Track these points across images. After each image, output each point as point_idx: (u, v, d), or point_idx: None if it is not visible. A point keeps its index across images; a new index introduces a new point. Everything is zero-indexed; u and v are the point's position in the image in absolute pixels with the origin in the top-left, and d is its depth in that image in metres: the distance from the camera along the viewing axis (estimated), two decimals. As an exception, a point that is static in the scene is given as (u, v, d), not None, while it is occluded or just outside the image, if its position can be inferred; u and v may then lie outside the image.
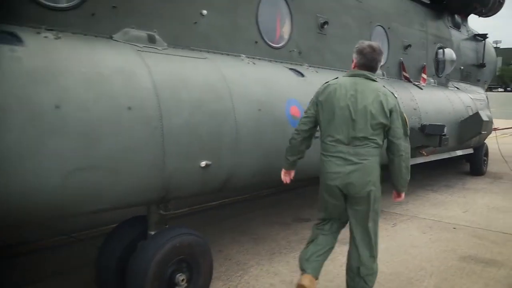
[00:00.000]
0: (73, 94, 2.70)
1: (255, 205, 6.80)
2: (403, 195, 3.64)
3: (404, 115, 3.47)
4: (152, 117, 3.09)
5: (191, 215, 6.17)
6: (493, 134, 9.74)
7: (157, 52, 3.46)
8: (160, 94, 3.18)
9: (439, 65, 8.40)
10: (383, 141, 3.43)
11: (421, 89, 7.36)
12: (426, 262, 4.63)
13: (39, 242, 4.89)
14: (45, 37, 2.80)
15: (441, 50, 8.35)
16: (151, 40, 3.51)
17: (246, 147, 3.79)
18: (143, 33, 3.47)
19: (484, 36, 10.31)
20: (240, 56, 4.33)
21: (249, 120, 3.83)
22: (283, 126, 4.18)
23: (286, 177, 3.78)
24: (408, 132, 3.47)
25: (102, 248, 3.58)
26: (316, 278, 3.53)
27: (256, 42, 4.53)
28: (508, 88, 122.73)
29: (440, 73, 8.45)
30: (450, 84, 8.88)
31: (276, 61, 4.76)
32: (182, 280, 3.39)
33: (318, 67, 5.33)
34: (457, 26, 9.27)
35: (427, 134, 6.26)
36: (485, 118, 8.05)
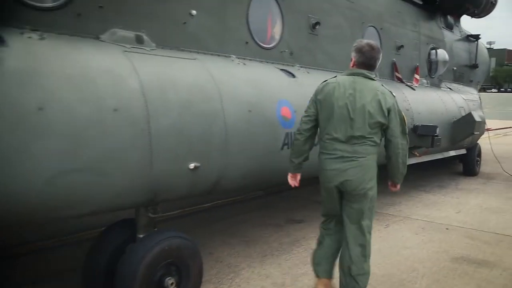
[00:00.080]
0: (57, 95, 2.65)
1: (247, 207, 6.76)
2: (398, 186, 3.71)
3: (402, 113, 3.51)
4: (139, 119, 3.05)
5: (182, 217, 6.11)
6: (486, 134, 9.77)
7: (145, 52, 3.41)
8: (148, 95, 3.14)
9: (431, 65, 8.40)
10: (380, 140, 3.47)
11: (414, 89, 7.36)
12: (418, 263, 4.61)
13: (28, 244, 4.84)
14: (29, 37, 2.75)
15: (433, 51, 8.35)
16: (139, 40, 3.47)
17: (236, 148, 3.75)
18: (130, 34, 3.43)
19: (476, 37, 10.34)
20: (230, 56, 4.29)
21: (239, 121, 3.79)
22: (273, 127, 4.15)
23: (292, 180, 3.71)
24: (406, 130, 3.53)
25: (90, 251, 3.53)
26: (331, 278, 3.66)
27: (247, 42, 4.50)
28: (501, 89, 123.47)
29: (433, 74, 8.45)
30: (442, 84, 8.89)
31: (267, 62, 4.73)
32: (171, 283, 3.33)
33: (310, 68, 5.30)
34: (449, 27, 9.29)
35: (420, 135, 6.27)
36: (477, 118, 8.07)
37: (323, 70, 5.51)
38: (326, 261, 3.67)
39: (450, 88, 9.06)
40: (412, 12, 7.79)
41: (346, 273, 3.47)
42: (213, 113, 3.59)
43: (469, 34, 10.26)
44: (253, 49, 4.57)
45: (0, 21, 2.72)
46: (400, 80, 7.21)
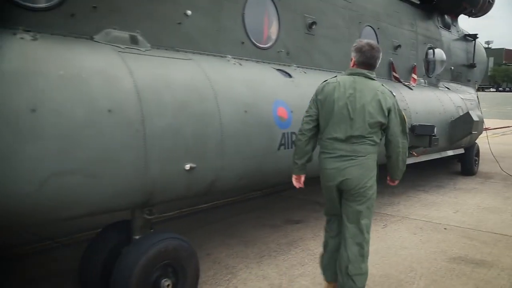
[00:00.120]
0: (49, 97, 2.63)
1: (245, 208, 6.74)
2: (397, 181, 3.76)
3: (403, 113, 3.52)
4: (133, 120, 3.02)
5: (180, 218, 6.10)
6: (484, 133, 9.76)
7: (139, 53, 3.39)
8: (142, 96, 3.11)
9: (429, 65, 8.40)
10: (380, 139, 3.48)
11: (411, 89, 7.35)
12: (416, 263, 4.59)
13: (25, 246, 4.82)
14: (22, 38, 2.73)
15: (431, 50, 8.35)
16: (134, 41, 3.45)
17: (232, 149, 3.73)
18: (125, 34, 3.41)
19: (474, 36, 10.33)
20: (226, 57, 4.28)
21: (235, 122, 3.77)
22: (270, 127, 4.13)
23: (297, 182, 3.70)
24: (407, 129, 3.54)
25: (85, 253, 3.51)
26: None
27: (243, 42, 4.48)
28: (500, 88, 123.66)
29: (430, 73, 8.44)
30: (440, 84, 8.89)
31: (263, 62, 4.71)
32: (168, 285, 3.31)
33: (307, 68, 5.29)
34: (447, 27, 9.28)
35: (417, 135, 6.26)
36: (475, 118, 8.06)
37: (320, 70, 5.50)
38: (333, 265, 3.66)
39: (447, 88, 9.06)
40: (409, 11, 7.78)
41: (344, 273, 3.45)
42: (208, 114, 3.57)
43: (467, 33, 10.25)
44: (249, 49, 4.55)
45: (-8, 22, 2.70)
46: (397, 80, 7.20)
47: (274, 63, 4.83)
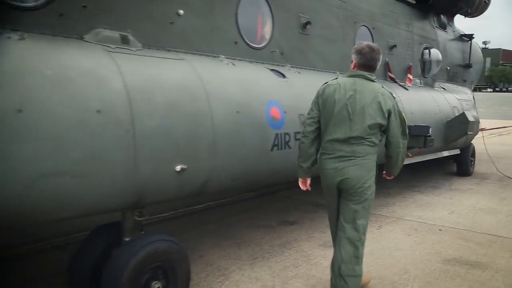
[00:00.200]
0: (36, 97, 2.59)
1: (239, 208, 6.70)
2: (393, 176, 3.87)
3: (403, 114, 3.56)
4: (123, 120, 2.98)
5: (174, 219, 6.07)
6: (480, 134, 9.75)
7: (130, 53, 3.35)
8: (132, 96, 3.08)
9: (425, 65, 8.37)
10: (380, 141, 3.51)
11: (407, 89, 7.32)
12: (410, 265, 4.56)
13: (25, 246, 4.82)
14: (8, 37, 2.69)
15: (427, 51, 8.32)
16: (124, 41, 3.41)
17: (224, 150, 3.70)
18: (115, 34, 3.37)
19: (470, 37, 10.32)
20: (219, 57, 4.24)
21: (227, 122, 3.73)
22: (263, 128, 4.09)
23: (303, 185, 3.73)
24: (407, 131, 3.61)
25: (76, 254, 3.48)
26: None
27: (236, 42, 4.44)
28: (497, 88, 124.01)
29: (426, 74, 8.42)
30: (436, 84, 8.86)
31: (257, 62, 4.68)
32: (158, 287, 3.28)
33: (301, 68, 5.25)
34: (443, 26, 9.27)
35: (412, 135, 6.20)
36: (471, 118, 8.04)
37: (314, 70, 5.46)
38: None
39: (443, 88, 9.03)
40: (405, 11, 7.75)
41: (336, 273, 3.43)
42: (200, 114, 3.53)
43: (463, 33, 10.24)
44: (242, 49, 4.52)
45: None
46: (393, 80, 7.17)
47: (268, 63, 4.79)
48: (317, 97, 3.56)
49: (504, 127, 20.92)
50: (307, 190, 3.75)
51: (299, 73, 5.11)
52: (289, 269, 4.42)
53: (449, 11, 9.07)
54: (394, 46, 7.25)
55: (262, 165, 4.12)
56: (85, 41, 3.19)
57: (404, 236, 5.49)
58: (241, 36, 4.48)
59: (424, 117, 7.16)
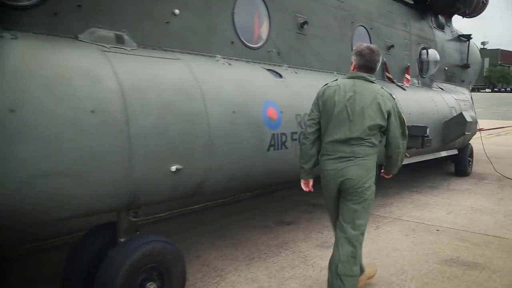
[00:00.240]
0: (30, 97, 2.56)
1: (236, 209, 6.68)
2: (392, 175, 3.91)
3: (402, 115, 3.58)
4: (117, 120, 2.96)
5: (171, 219, 6.05)
6: (478, 134, 9.74)
7: (125, 52, 3.33)
8: (127, 96, 3.05)
9: (423, 65, 8.36)
10: (379, 141, 3.52)
11: (404, 90, 7.31)
12: (407, 265, 4.55)
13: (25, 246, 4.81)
14: (1, 37, 2.66)
15: (424, 51, 8.31)
16: (119, 40, 3.38)
17: (220, 150, 3.68)
18: (110, 33, 3.34)
19: (468, 37, 10.31)
20: (215, 56, 4.22)
21: (223, 122, 3.72)
22: (259, 128, 4.07)
23: (305, 187, 3.74)
24: (406, 131, 3.64)
25: (70, 255, 3.46)
26: None
27: (233, 42, 4.42)
28: (495, 89, 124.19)
29: (424, 74, 8.41)
30: (434, 84, 8.85)
31: (254, 62, 4.66)
32: (153, 288, 3.27)
33: (298, 68, 5.24)
34: (441, 27, 9.26)
35: (410, 135, 6.19)
36: (469, 119, 8.03)
37: (311, 70, 5.45)
38: None
39: (441, 88, 9.02)
40: (402, 11, 7.74)
41: (333, 272, 3.43)
42: (195, 114, 3.51)
43: (461, 34, 10.23)
44: (239, 49, 4.50)
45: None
46: (390, 80, 7.15)
47: (264, 63, 4.77)
48: (317, 98, 3.58)
49: (502, 127, 20.94)
50: (309, 191, 3.75)
51: (296, 73, 5.09)
52: (286, 269, 4.40)
53: (447, 11, 9.07)
54: (392, 46, 7.24)
55: (258, 165, 4.10)
56: (79, 40, 3.17)
57: (401, 236, 5.47)
58: (237, 36, 4.46)
59: (422, 117, 7.15)
